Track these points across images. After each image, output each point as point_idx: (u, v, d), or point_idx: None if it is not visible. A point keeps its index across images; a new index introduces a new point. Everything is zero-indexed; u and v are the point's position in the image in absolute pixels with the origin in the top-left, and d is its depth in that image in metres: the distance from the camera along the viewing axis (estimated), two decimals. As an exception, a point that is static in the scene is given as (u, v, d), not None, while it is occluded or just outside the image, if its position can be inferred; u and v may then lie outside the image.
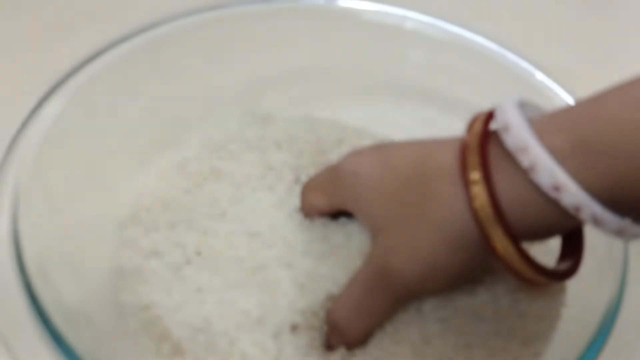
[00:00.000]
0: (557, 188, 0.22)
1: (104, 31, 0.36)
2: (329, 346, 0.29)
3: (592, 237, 0.27)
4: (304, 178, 0.37)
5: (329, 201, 0.31)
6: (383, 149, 0.29)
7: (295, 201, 0.35)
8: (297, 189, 0.36)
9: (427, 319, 0.28)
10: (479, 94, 0.34)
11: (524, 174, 0.23)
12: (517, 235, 0.24)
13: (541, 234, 0.25)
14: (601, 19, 0.50)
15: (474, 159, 0.24)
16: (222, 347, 0.28)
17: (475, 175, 0.23)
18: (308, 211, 0.33)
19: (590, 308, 0.27)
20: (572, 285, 0.29)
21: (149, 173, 0.35)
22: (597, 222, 0.22)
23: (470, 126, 0.25)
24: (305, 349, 0.29)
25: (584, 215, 0.22)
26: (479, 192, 0.23)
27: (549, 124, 0.23)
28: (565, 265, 0.27)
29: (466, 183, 0.24)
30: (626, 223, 0.22)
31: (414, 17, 0.37)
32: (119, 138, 0.35)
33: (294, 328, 0.30)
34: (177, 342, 0.28)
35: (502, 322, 0.28)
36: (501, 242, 0.24)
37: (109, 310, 0.29)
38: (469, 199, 0.24)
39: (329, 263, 0.31)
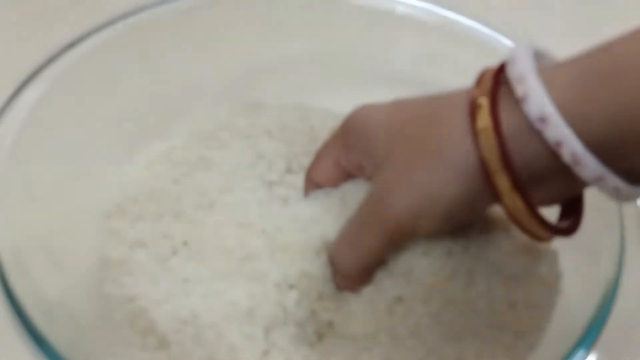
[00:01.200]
0: (542, 119, 0.22)
1: (90, 16, 0.35)
2: (337, 286, 0.29)
3: (587, 228, 0.27)
4: (296, 167, 0.36)
5: (340, 158, 0.31)
6: (395, 101, 0.29)
7: (287, 191, 0.34)
8: (289, 178, 0.35)
9: (415, 312, 0.27)
10: (472, 79, 0.34)
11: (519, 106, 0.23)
12: (522, 183, 0.23)
13: (538, 182, 0.24)
14: (599, 4, 0.50)
15: (483, 100, 0.24)
16: (209, 339, 0.27)
17: (484, 121, 0.23)
18: (318, 177, 0.32)
19: (586, 298, 0.26)
20: (567, 274, 0.28)
21: (135, 162, 0.35)
22: (576, 162, 0.22)
23: (482, 75, 0.25)
24: (297, 342, 0.28)
25: (565, 152, 0.22)
26: (487, 139, 0.23)
27: (556, 65, 0.24)
28: (565, 224, 0.26)
29: (475, 130, 0.24)
30: (605, 171, 0.22)
31: (405, 2, 0.36)
32: (105, 126, 0.34)
33: (285, 320, 0.29)
34: (162, 335, 0.27)
35: (494, 313, 0.27)
36: (507, 190, 0.24)
37: (93, 303, 0.28)
38: (477, 145, 0.24)
39: (321, 255, 0.30)
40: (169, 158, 0.35)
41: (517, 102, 0.23)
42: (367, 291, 0.28)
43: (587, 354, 0.24)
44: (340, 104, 0.38)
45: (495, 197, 0.24)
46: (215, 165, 0.35)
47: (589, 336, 0.24)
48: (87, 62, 0.33)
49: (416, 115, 0.27)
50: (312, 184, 0.33)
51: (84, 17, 0.35)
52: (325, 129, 0.37)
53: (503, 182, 0.23)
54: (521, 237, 0.27)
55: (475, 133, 0.24)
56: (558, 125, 0.22)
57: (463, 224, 0.28)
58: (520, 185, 0.23)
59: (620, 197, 0.23)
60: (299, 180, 0.35)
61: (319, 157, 0.33)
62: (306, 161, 0.34)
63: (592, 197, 0.26)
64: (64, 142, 0.32)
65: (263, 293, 0.29)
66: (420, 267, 0.27)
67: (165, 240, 0.31)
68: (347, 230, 0.29)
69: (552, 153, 0.22)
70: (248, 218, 0.33)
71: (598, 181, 0.22)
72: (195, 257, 0.30)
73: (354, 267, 0.28)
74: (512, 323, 0.27)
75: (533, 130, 0.22)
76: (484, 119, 0.23)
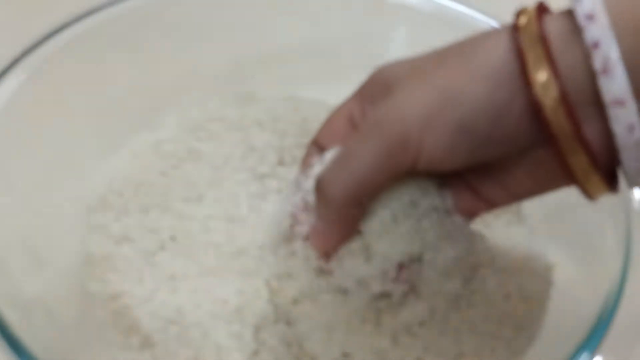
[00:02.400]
0: (590, 16, 0.20)
1: (77, 4, 0.34)
2: (318, 221, 0.25)
3: (593, 226, 0.26)
4: (288, 159, 0.35)
5: (355, 113, 0.26)
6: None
7: (279, 183, 0.33)
8: (281, 171, 0.34)
9: (410, 308, 0.26)
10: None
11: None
12: (567, 91, 0.21)
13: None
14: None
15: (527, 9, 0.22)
16: (195, 338, 0.26)
17: (527, 17, 0.21)
18: (325, 138, 0.27)
19: (590, 297, 0.25)
20: (570, 273, 0.28)
21: (121, 154, 0.34)
22: (605, 70, 0.20)
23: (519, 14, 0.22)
24: (287, 341, 0.27)
25: (598, 55, 0.20)
26: (529, 31, 0.21)
27: None
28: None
29: (516, 26, 0.21)
30: (628, 93, 0.20)
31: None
32: (90, 117, 0.33)
33: (276, 318, 0.28)
34: (147, 334, 0.26)
35: (490, 307, 0.26)
36: (550, 99, 0.21)
37: (74, 301, 0.27)
38: (517, 39, 0.21)
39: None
40: (157, 150, 0.34)
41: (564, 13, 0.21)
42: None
43: (591, 357, 0.23)
44: (332, 95, 0.37)
45: (532, 106, 0.21)
46: (204, 158, 0.34)
47: (593, 338, 0.23)
48: (70, 51, 0.32)
49: (445, 50, 0.24)
50: (315, 149, 0.28)
51: (70, 5, 0.34)
52: (317, 120, 0.36)
53: (547, 90, 0.20)
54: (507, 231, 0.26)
55: (516, 29, 0.21)
56: (602, 25, 0.20)
57: (473, 159, 0.23)
58: (564, 91, 0.20)
59: (629, 145, 0.20)
60: (291, 172, 0.34)
61: (329, 119, 0.28)
62: (298, 153, 0.33)
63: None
64: (47, 135, 0.30)
65: (253, 290, 0.28)
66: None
67: (151, 235, 0.30)
68: (340, 150, 0.25)
69: (586, 60, 0.20)
70: (238, 212, 0.32)
71: (618, 105, 0.20)
72: (183, 252, 0.29)
73: (342, 189, 0.24)
74: (508, 316, 0.27)
75: (576, 31, 0.20)
76: (527, 16, 0.21)
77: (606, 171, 0.22)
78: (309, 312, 0.27)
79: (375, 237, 0.25)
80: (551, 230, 0.30)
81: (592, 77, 0.20)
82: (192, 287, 0.28)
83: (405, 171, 0.23)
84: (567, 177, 0.22)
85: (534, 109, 0.21)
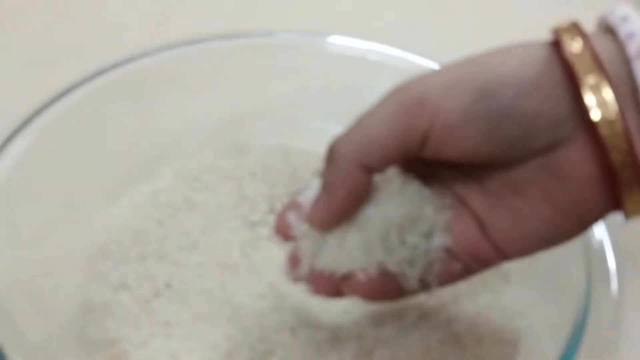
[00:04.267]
0: (624, 18, 0.20)
1: (83, 65, 0.36)
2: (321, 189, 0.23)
3: (553, 262, 0.27)
4: (279, 207, 0.37)
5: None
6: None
7: (270, 230, 0.35)
8: (271, 219, 0.36)
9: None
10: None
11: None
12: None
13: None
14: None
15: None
16: (188, 382, 0.28)
17: (566, 23, 0.21)
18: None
19: (554, 333, 0.27)
20: (534, 308, 0.29)
21: (121, 205, 0.35)
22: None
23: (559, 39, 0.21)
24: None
25: (633, 44, 0.19)
26: (570, 33, 0.20)
27: None
28: None
29: (557, 31, 0.21)
30: None
31: (377, 50, 0.38)
32: (92, 170, 0.35)
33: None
34: (142, 378, 0.28)
35: (464, 351, 0.28)
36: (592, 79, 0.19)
37: (75, 346, 0.28)
38: (559, 39, 0.20)
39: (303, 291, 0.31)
40: (154, 200, 0.36)
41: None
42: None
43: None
44: (321, 145, 0.40)
45: (573, 88, 0.20)
46: (199, 207, 0.36)
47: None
48: (75, 110, 0.34)
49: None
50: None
51: (74, 66, 0.36)
52: (307, 169, 0.39)
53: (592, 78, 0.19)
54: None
55: (556, 33, 0.21)
56: (635, 19, 0.20)
57: (489, 136, 0.21)
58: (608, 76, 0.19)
59: None
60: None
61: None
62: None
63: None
64: (51, 186, 0.32)
65: (244, 335, 0.30)
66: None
67: (147, 282, 0.32)
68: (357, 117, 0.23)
69: (621, 52, 0.20)
70: (230, 259, 0.33)
71: None
72: (177, 298, 0.31)
73: (350, 145, 0.22)
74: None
75: (610, 29, 0.20)
76: (566, 23, 0.21)
77: None
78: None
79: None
80: (521, 273, 0.32)
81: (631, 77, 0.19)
82: (185, 333, 0.29)
83: (417, 143, 0.21)
84: (601, 190, 0.20)
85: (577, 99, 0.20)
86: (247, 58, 0.39)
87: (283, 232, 0.24)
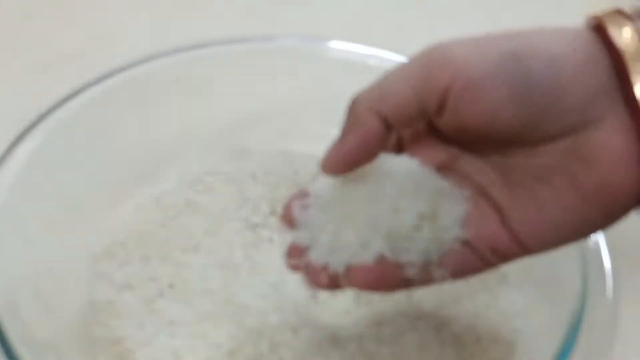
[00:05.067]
0: None
1: (85, 70, 0.37)
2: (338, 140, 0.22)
3: (549, 264, 0.28)
4: (280, 210, 0.37)
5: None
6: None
7: (271, 232, 0.36)
8: (273, 221, 0.37)
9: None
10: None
11: None
12: None
13: None
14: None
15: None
16: (192, 380, 0.28)
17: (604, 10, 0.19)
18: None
19: (550, 333, 0.27)
20: (530, 308, 0.30)
21: (125, 207, 0.36)
22: None
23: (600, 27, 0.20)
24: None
25: None
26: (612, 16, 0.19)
27: None
28: None
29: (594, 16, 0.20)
30: None
31: (377, 55, 0.38)
32: (97, 173, 0.35)
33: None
34: (147, 377, 0.28)
35: (462, 349, 0.28)
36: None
37: (81, 344, 0.29)
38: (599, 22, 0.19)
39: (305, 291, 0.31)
40: (158, 202, 0.37)
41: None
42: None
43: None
44: (322, 148, 0.40)
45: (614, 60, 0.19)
46: (202, 209, 0.37)
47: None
48: (81, 114, 0.34)
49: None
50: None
51: (76, 71, 0.37)
52: (307, 172, 0.39)
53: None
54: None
55: (598, 19, 0.20)
56: None
57: (514, 103, 0.20)
58: None
59: None
60: (282, 222, 0.36)
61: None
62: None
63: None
64: (57, 189, 0.33)
65: (245, 334, 0.30)
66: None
67: (151, 283, 0.32)
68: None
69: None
70: (232, 260, 0.34)
71: None
72: (180, 299, 0.31)
73: (369, 94, 0.22)
74: (479, 358, 0.28)
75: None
76: (609, 9, 0.20)
77: None
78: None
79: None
80: (519, 274, 0.32)
81: None
82: (188, 332, 0.30)
83: (436, 99, 0.20)
84: (629, 176, 0.19)
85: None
86: (248, 63, 0.40)
87: (288, 220, 0.24)
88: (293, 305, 0.31)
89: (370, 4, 0.54)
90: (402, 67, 0.22)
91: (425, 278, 0.23)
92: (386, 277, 0.22)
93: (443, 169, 0.23)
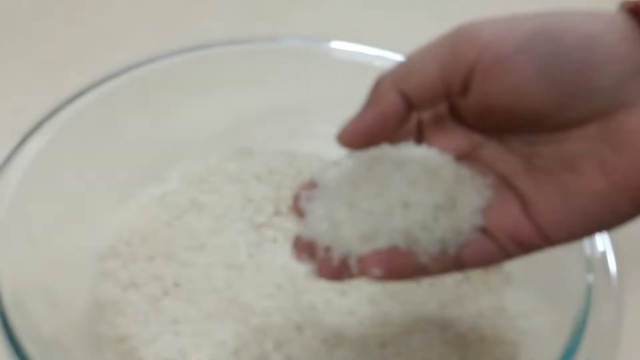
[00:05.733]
0: None
1: (91, 70, 0.37)
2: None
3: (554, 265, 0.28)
4: (284, 209, 0.38)
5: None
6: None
7: (275, 232, 0.36)
8: (277, 220, 0.37)
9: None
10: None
11: None
12: None
13: None
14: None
15: None
16: (197, 378, 0.28)
17: None
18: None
19: (554, 335, 0.27)
20: (534, 310, 0.30)
21: (130, 206, 0.36)
22: None
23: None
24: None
25: None
26: None
27: None
28: None
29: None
30: None
31: (382, 56, 0.38)
32: (102, 173, 0.36)
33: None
34: (152, 374, 0.28)
35: (466, 349, 0.28)
36: None
37: (86, 342, 0.29)
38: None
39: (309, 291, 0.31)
40: (162, 202, 0.37)
41: None
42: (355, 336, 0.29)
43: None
44: (324, 148, 0.40)
45: None
46: (206, 208, 0.37)
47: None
48: (87, 114, 0.35)
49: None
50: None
51: (82, 71, 0.37)
52: (311, 172, 0.39)
53: None
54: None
55: (630, 2, 0.19)
56: None
57: (544, 79, 0.19)
58: None
59: None
60: (286, 222, 0.36)
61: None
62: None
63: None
64: (63, 188, 0.33)
65: (249, 333, 0.30)
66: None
67: (156, 281, 0.32)
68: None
69: None
70: (237, 259, 0.34)
71: None
72: (185, 297, 0.31)
73: (392, 73, 0.21)
74: (483, 358, 0.28)
75: None
76: None
77: None
78: None
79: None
80: (522, 275, 0.32)
81: None
82: (193, 331, 0.30)
83: (462, 76, 0.19)
84: None
85: None
86: (253, 63, 0.40)
87: (297, 210, 0.24)
88: (297, 305, 0.31)
89: (375, 5, 0.54)
90: (428, 45, 0.21)
91: (441, 267, 0.22)
92: (399, 265, 0.21)
93: (464, 157, 0.23)
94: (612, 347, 0.27)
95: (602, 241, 0.29)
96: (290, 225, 0.36)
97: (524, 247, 0.21)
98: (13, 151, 0.31)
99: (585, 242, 0.29)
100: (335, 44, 0.39)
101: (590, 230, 0.21)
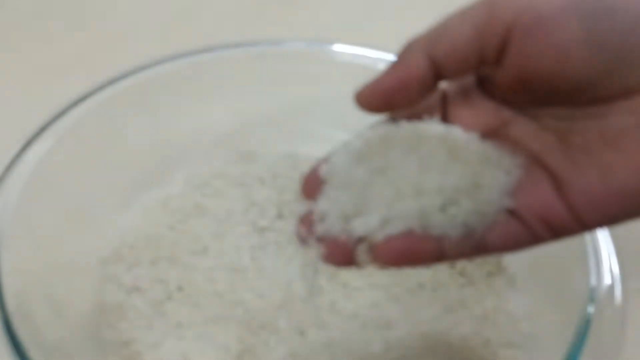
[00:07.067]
0: None
1: (94, 73, 0.37)
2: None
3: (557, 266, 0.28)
4: (287, 213, 0.38)
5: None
6: None
7: (278, 236, 0.36)
8: (280, 224, 0.37)
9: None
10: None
11: None
12: None
13: None
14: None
15: None
16: (200, 382, 0.28)
17: None
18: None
19: (559, 335, 0.27)
20: (539, 310, 0.30)
21: (133, 210, 0.36)
22: None
23: None
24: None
25: None
26: None
27: None
28: None
29: None
30: None
31: (386, 59, 0.38)
32: (105, 177, 0.36)
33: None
34: (156, 378, 0.28)
35: (471, 354, 0.28)
36: None
37: (90, 346, 0.29)
38: None
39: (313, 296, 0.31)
40: (165, 205, 0.37)
41: None
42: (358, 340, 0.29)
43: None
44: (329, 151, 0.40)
45: None
46: (209, 212, 0.37)
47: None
48: (90, 118, 0.35)
49: None
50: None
51: (85, 75, 0.37)
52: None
53: None
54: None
55: None
56: None
57: (585, 42, 0.18)
58: None
59: None
60: (289, 225, 0.36)
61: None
62: (296, 208, 0.36)
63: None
64: (66, 193, 0.33)
65: (253, 336, 0.30)
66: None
67: (160, 285, 0.32)
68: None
69: None
70: (240, 263, 0.34)
71: None
72: (189, 301, 0.31)
73: (422, 37, 0.20)
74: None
75: None
76: None
77: None
78: None
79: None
80: (526, 277, 0.32)
81: None
82: (197, 335, 0.30)
83: (498, 39, 0.18)
84: None
85: None
86: (256, 66, 0.40)
87: (306, 191, 0.22)
88: (300, 308, 0.31)
89: (378, 8, 0.54)
90: (463, 9, 0.20)
91: (462, 251, 0.20)
92: (416, 250, 0.20)
93: (492, 134, 0.21)
94: (615, 350, 0.27)
95: (605, 243, 0.29)
96: (293, 229, 0.36)
97: (555, 230, 0.20)
98: (17, 156, 0.31)
99: (589, 244, 0.29)
100: (338, 47, 0.39)
101: (627, 213, 0.19)
